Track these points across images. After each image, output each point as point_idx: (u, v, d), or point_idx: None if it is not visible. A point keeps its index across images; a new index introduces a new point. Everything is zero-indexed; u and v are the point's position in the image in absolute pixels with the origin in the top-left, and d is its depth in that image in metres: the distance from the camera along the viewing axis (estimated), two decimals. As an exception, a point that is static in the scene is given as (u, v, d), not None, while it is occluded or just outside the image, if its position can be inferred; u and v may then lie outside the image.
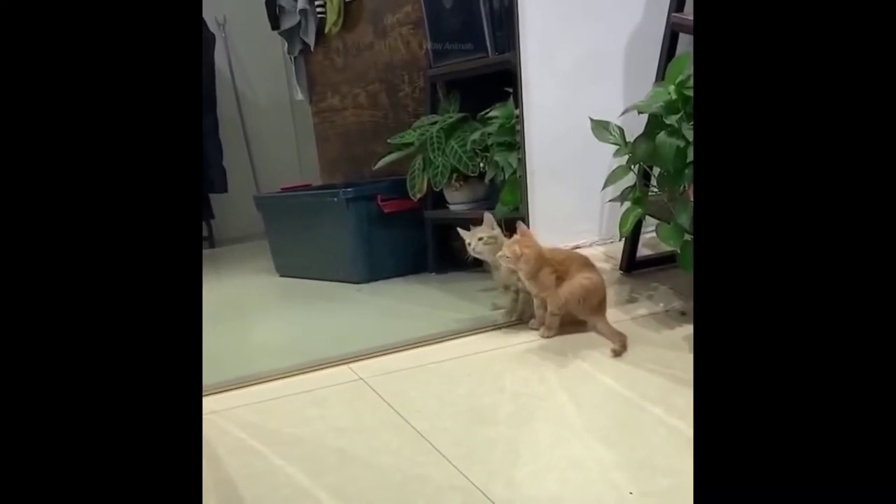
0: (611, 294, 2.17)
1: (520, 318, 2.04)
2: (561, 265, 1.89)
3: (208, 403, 1.68)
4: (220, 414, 1.63)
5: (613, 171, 1.91)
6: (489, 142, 2.40)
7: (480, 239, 1.98)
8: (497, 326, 2.03)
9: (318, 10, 3.47)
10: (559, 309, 1.87)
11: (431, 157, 2.60)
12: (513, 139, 2.23)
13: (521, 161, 2.11)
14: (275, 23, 3.80)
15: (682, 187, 1.77)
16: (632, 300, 2.12)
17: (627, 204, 1.90)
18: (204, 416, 1.62)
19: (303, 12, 3.56)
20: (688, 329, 1.87)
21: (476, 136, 2.45)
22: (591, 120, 1.92)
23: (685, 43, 2.06)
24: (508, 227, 2.18)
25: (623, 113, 1.91)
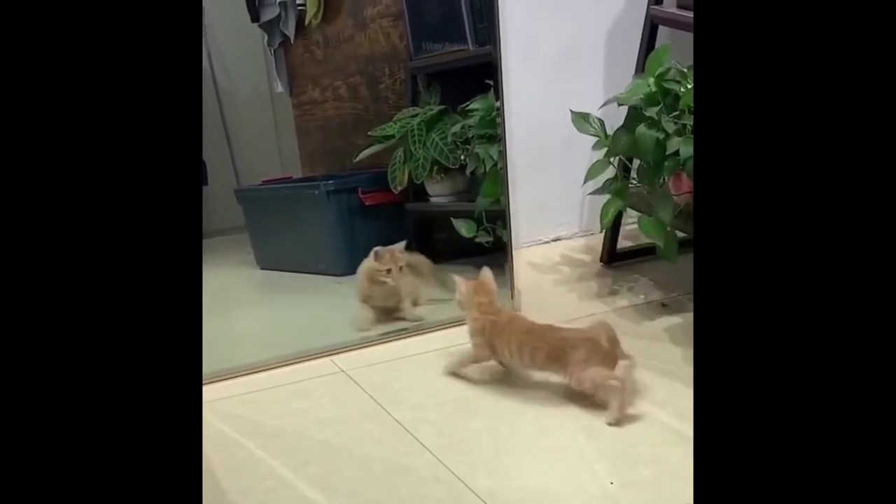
0: (592, 286, 2.19)
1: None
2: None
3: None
4: (204, 406, 1.62)
5: (594, 163, 1.92)
6: (470, 134, 2.40)
7: (401, 269, 2.02)
8: (479, 318, 2.03)
9: (298, 2, 3.46)
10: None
11: (412, 149, 2.59)
12: (494, 131, 2.23)
13: (502, 153, 2.11)
14: (254, 15, 3.78)
15: (661, 179, 1.78)
16: (613, 292, 2.13)
17: (608, 196, 1.91)
18: (186, 409, 1.62)
19: (282, 4, 3.54)
20: (669, 321, 1.88)
21: (457, 128, 2.44)
22: (572, 112, 1.93)
23: (664, 35, 2.07)
24: (489, 219, 2.19)
25: (603, 105, 1.92)
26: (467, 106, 2.41)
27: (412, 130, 2.60)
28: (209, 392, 1.70)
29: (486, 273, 1.73)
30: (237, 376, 1.77)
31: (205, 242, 3.61)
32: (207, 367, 1.77)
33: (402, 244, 2.05)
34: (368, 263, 2.04)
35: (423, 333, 1.96)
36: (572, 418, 1.45)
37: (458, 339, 1.90)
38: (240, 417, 1.56)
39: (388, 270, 1.98)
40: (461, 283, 1.71)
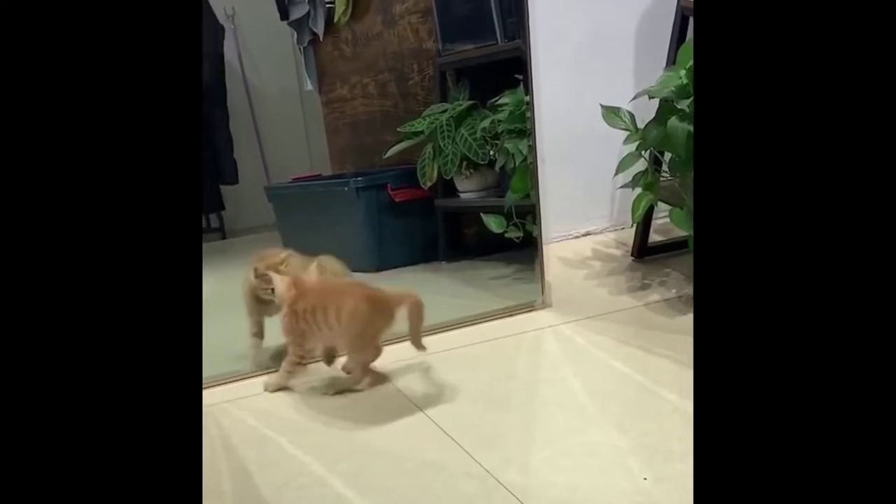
0: (622, 281, 2.18)
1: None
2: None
3: (223, 393, 1.68)
4: (234, 403, 1.63)
5: (624, 157, 1.91)
6: (499, 129, 2.40)
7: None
8: (509, 313, 2.03)
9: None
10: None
11: (441, 145, 2.59)
12: (523, 126, 2.23)
13: (532, 148, 2.10)
14: (284, 13, 3.80)
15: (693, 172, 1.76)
16: (644, 286, 2.12)
17: (639, 190, 1.90)
18: (219, 405, 1.63)
19: (312, 2, 3.56)
20: (700, 315, 1.87)
21: (486, 123, 2.44)
22: (602, 106, 1.92)
23: (695, 27, 2.05)
24: (519, 214, 2.19)
25: (633, 98, 1.91)
26: (496, 101, 2.41)
27: (441, 126, 2.61)
28: (241, 389, 1.71)
29: (311, 267, 1.65)
30: (269, 373, 1.77)
31: (235, 240, 3.69)
32: (239, 365, 1.79)
33: (286, 252, 1.82)
34: (250, 279, 1.78)
35: (452, 330, 1.96)
36: (604, 414, 1.44)
37: (488, 335, 1.90)
38: (272, 414, 1.57)
39: (273, 289, 1.70)
40: (276, 279, 1.62)
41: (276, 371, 1.69)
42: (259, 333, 1.83)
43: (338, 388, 1.55)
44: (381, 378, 1.62)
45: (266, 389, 1.67)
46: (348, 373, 1.62)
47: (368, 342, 1.52)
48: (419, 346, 1.56)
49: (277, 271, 1.70)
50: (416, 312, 1.51)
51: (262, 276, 1.72)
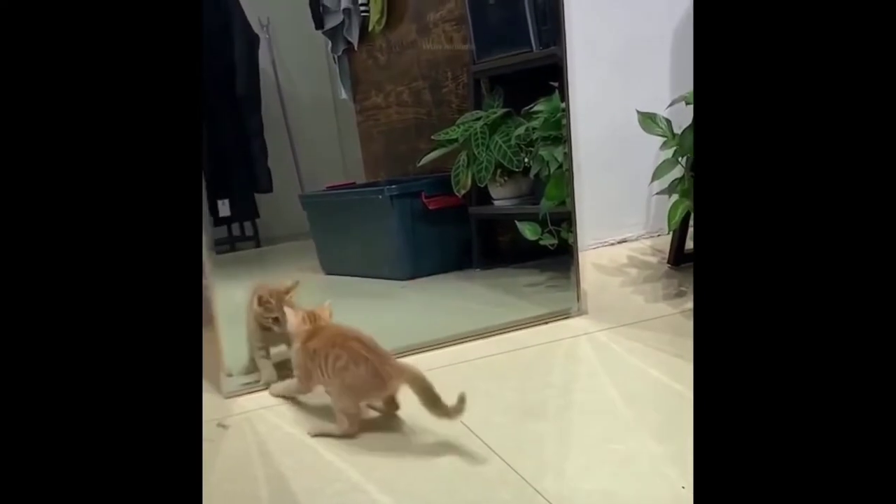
0: (659, 288, 2.16)
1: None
2: None
3: (260, 399, 1.69)
4: (271, 409, 1.64)
5: (661, 163, 1.90)
6: (533, 136, 2.39)
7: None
8: (544, 321, 2.02)
9: (362, 8, 3.48)
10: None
11: (475, 152, 2.59)
12: (558, 133, 2.22)
13: (567, 155, 2.09)
14: (319, 22, 3.83)
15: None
16: (680, 294, 2.10)
17: (675, 196, 1.88)
18: (255, 412, 1.63)
19: (346, 11, 3.58)
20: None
21: (520, 130, 2.44)
22: (638, 112, 1.91)
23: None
24: (554, 221, 2.18)
25: (671, 105, 1.90)
26: (531, 108, 2.40)
27: (475, 134, 2.60)
28: (276, 395, 1.71)
29: (325, 304, 1.61)
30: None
31: (270, 248, 3.70)
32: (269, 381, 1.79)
33: (292, 283, 1.76)
34: (253, 307, 1.74)
35: (487, 337, 1.95)
36: (641, 421, 1.43)
37: (523, 343, 1.89)
38: (308, 421, 1.57)
39: (276, 319, 1.69)
40: (288, 312, 1.59)
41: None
42: (266, 354, 1.79)
43: (318, 431, 1.52)
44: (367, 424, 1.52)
45: (270, 392, 1.69)
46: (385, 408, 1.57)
47: (351, 400, 1.49)
48: (444, 413, 1.39)
49: (285, 302, 1.67)
50: (419, 387, 1.40)
51: (265, 304, 1.70)
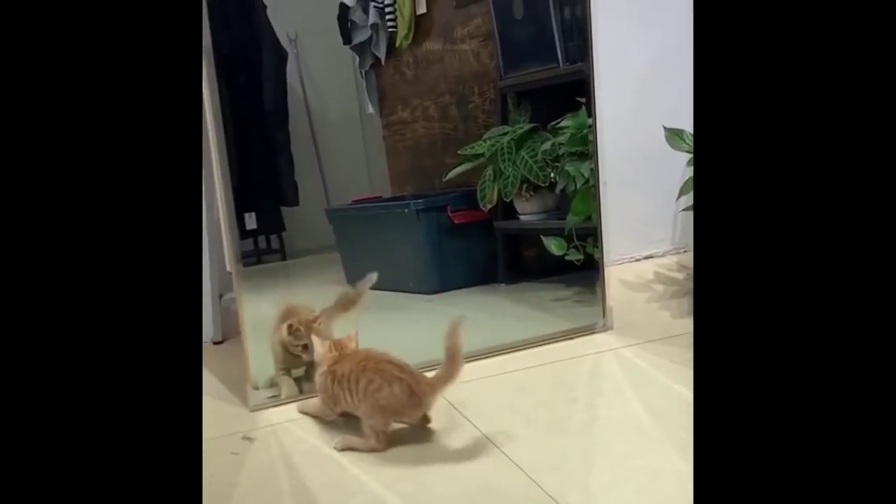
0: (685, 304, 2.15)
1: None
2: None
3: (285, 412, 1.70)
4: (296, 422, 1.64)
5: (688, 179, 1.89)
6: (560, 152, 2.39)
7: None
8: (570, 336, 2.02)
9: (390, 24, 3.51)
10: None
11: (502, 167, 2.59)
12: (584, 149, 2.22)
13: (594, 170, 2.09)
14: (346, 38, 3.85)
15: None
16: (706, 310, 2.09)
17: (702, 212, 1.88)
18: (280, 425, 1.64)
19: (374, 26, 3.60)
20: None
21: (547, 146, 2.44)
22: (665, 128, 1.91)
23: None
24: (580, 237, 2.17)
25: (697, 120, 1.89)
26: (557, 123, 2.40)
27: (502, 149, 2.61)
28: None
29: (351, 333, 1.65)
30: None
31: (296, 261, 3.72)
32: (301, 384, 1.80)
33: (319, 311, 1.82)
34: (282, 335, 1.76)
35: (512, 352, 1.95)
36: (666, 438, 1.42)
37: (548, 358, 1.89)
38: (333, 434, 1.57)
39: (305, 346, 1.72)
40: (315, 341, 1.61)
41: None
42: (286, 373, 1.81)
43: (345, 446, 1.52)
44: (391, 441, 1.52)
45: (298, 409, 1.69)
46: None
47: (384, 420, 1.50)
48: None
49: (312, 330, 1.70)
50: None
51: (295, 333, 1.72)
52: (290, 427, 1.63)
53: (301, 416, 1.67)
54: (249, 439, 1.59)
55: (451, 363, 1.44)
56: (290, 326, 1.73)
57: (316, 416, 1.65)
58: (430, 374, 1.50)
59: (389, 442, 1.48)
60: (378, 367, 1.48)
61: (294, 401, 1.74)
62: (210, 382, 1.92)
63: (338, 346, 1.59)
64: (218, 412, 1.74)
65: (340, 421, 1.60)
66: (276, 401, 1.75)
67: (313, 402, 1.65)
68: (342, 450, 1.49)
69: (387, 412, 1.46)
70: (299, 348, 1.72)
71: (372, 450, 1.47)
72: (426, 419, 1.53)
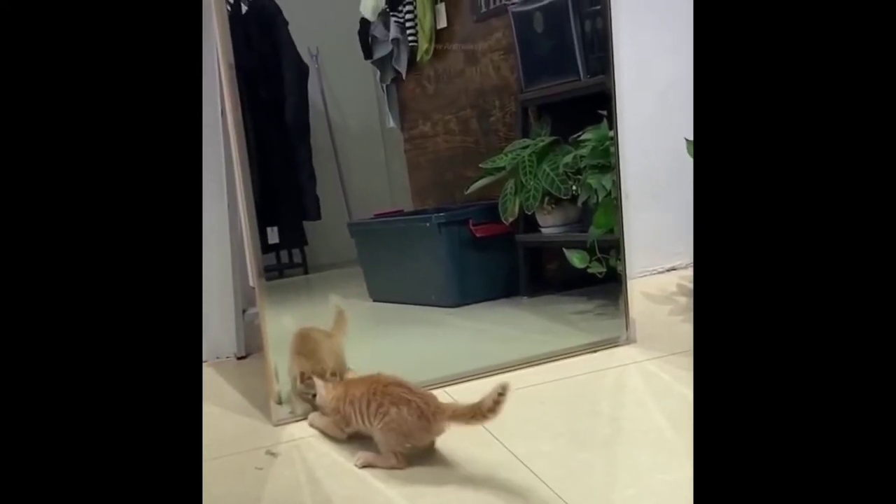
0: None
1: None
2: None
3: (308, 427, 1.70)
4: (319, 437, 1.65)
5: (710, 191, 1.88)
6: (581, 164, 2.39)
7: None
8: (592, 349, 2.01)
9: (410, 38, 3.52)
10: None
11: (523, 180, 2.59)
12: (606, 161, 2.22)
13: (616, 183, 2.09)
14: (367, 53, 3.87)
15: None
16: (730, 323, 2.08)
17: (725, 224, 1.87)
18: (304, 440, 1.64)
19: (395, 41, 3.62)
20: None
21: (568, 158, 2.44)
22: (687, 140, 1.90)
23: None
24: (602, 249, 2.17)
25: (719, 132, 1.89)
26: (579, 136, 2.40)
27: (523, 162, 2.61)
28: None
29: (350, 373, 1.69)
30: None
31: (318, 275, 3.73)
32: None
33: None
34: (297, 384, 1.76)
35: (534, 365, 1.95)
36: (690, 451, 1.41)
37: (571, 371, 1.88)
38: (357, 448, 1.57)
39: (314, 396, 1.70)
40: (319, 385, 1.63)
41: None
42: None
43: (366, 463, 1.51)
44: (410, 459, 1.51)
45: (308, 423, 1.69)
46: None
47: (399, 442, 1.49)
48: (482, 413, 1.40)
49: (323, 378, 1.69)
50: (470, 419, 1.41)
51: (307, 382, 1.72)
52: (313, 442, 1.63)
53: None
54: (273, 454, 1.59)
55: (478, 410, 1.39)
56: (302, 374, 1.73)
57: (324, 433, 1.65)
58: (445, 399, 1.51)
59: (412, 456, 1.48)
60: (386, 391, 1.48)
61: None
62: (233, 397, 1.93)
63: (347, 385, 1.62)
64: (242, 427, 1.75)
65: (363, 436, 1.60)
66: (296, 416, 1.75)
67: (324, 419, 1.66)
68: (362, 467, 1.49)
69: (400, 436, 1.46)
70: (310, 396, 1.71)
71: (392, 468, 1.47)
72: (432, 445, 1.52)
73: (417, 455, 1.49)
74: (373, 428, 1.48)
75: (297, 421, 1.74)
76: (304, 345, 1.80)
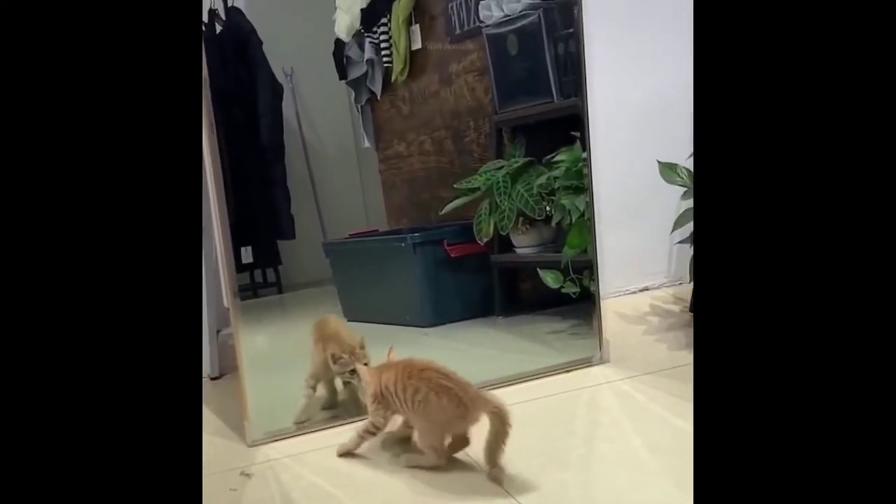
0: (681, 337, 2.16)
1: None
2: None
3: (284, 447, 1.70)
4: (295, 458, 1.64)
5: (682, 212, 1.90)
6: (555, 185, 2.40)
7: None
8: (566, 369, 2.02)
9: (385, 59, 3.54)
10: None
11: (497, 201, 2.61)
12: (579, 182, 2.24)
13: (589, 204, 2.11)
14: (342, 73, 3.88)
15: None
16: (703, 343, 2.10)
17: (697, 245, 1.89)
18: (279, 461, 1.64)
19: (370, 62, 3.63)
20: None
21: (542, 180, 2.45)
22: (659, 162, 1.92)
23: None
24: (576, 270, 2.18)
25: (691, 155, 1.91)
26: (552, 158, 2.42)
27: (497, 182, 2.62)
28: (301, 444, 1.72)
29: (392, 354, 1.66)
30: (329, 428, 1.78)
31: (293, 294, 3.71)
32: (301, 419, 1.80)
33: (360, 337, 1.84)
34: (329, 364, 1.79)
35: (509, 385, 1.95)
36: (665, 471, 1.42)
37: (546, 391, 1.89)
38: (333, 469, 1.57)
39: (353, 371, 1.74)
40: (362, 370, 1.64)
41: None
42: (314, 388, 1.86)
43: (410, 463, 1.53)
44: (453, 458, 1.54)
45: (337, 453, 1.65)
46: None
47: (437, 434, 1.51)
48: (492, 461, 1.44)
49: (355, 356, 1.74)
50: (500, 423, 1.42)
51: (339, 361, 1.75)
52: (289, 462, 1.62)
53: (300, 450, 1.67)
54: (247, 475, 1.58)
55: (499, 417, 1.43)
56: (332, 356, 1.76)
57: (361, 442, 1.62)
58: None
59: (387, 472, 1.48)
60: (422, 376, 1.48)
61: (294, 435, 1.75)
62: (207, 418, 1.92)
63: (383, 368, 1.61)
64: (216, 448, 1.74)
65: (340, 460, 1.60)
66: (273, 436, 1.74)
67: (351, 438, 1.63)
68: (408, 467, 1.51)
69: (438, 426, 1.47)
70: (347, 374, 1.76)
71: (434, 466, 1.48)
72: (465, 440, 1.52)
73: (390, 473, 1.49)
74: (412, 412, 1.49)
75: (272, 441, 1.73)
76: (326, 329, 1.84)
